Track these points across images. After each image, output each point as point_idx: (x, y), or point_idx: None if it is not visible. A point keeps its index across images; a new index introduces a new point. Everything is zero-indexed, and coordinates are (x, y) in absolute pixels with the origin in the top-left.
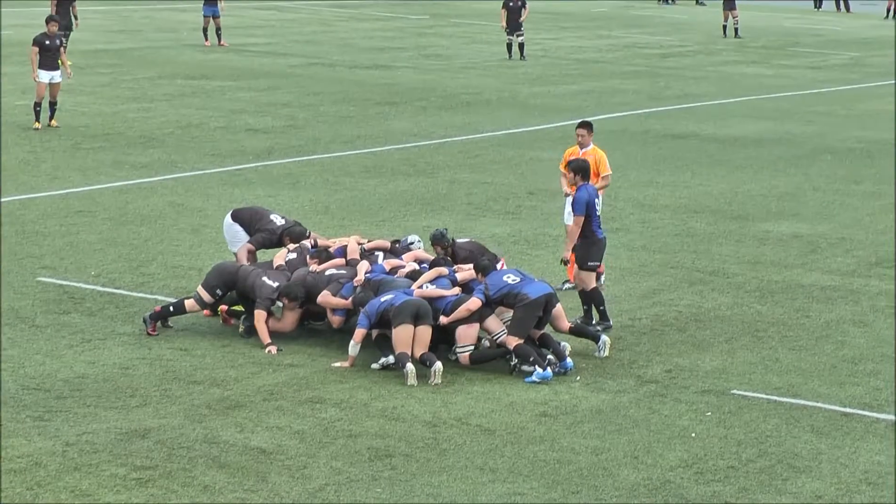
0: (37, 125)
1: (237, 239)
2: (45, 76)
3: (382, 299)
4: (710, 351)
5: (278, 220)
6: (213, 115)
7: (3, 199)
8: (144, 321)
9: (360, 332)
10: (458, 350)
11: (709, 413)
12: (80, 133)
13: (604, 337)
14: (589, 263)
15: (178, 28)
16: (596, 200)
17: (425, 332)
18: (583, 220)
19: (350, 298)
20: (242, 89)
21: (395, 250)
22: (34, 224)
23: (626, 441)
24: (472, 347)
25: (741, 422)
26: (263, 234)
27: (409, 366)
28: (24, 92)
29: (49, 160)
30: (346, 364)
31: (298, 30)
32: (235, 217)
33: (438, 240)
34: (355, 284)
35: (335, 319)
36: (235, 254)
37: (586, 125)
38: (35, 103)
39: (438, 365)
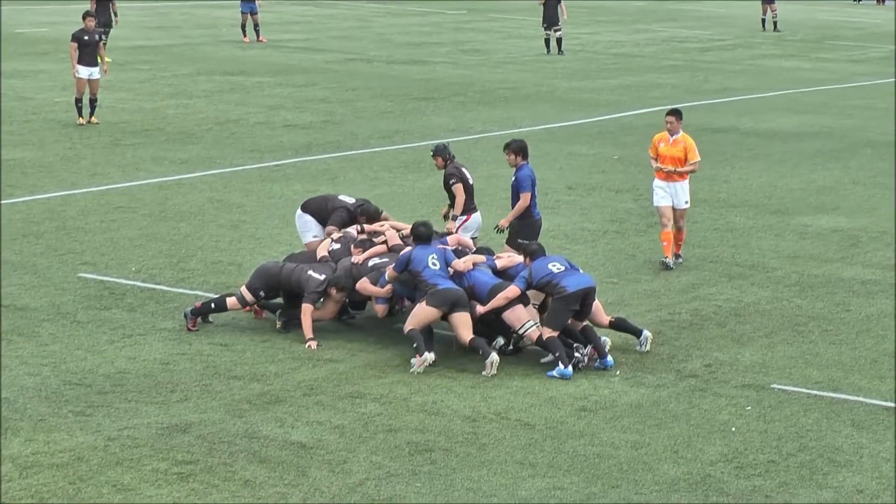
0: (80, 121)
1: (307, 228)
2: (83, 72)
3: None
4: (750, 345)
5: (349, 200)
6: (252, 111)
7: (44, 196)
8: (185, 316)
9: (390, 273)
10: (521, 332)
11: (749, 407)
12: (119, 129)
13: (646, 332)
14: (519, 241)
15: (216, 24)
16: (534, 179)
17: (466, 318)
18: (529, 197)
19: (388, 287)
20: (281, 85)
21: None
22: (75, 220)
23: (666, 435)
24: (534, 324)
25: (781, 416)
26: (340, 213)
27: (428, 355)
28: (64, 88)
29: (89, 156)
30: (381, 293)
31: (336, 25)
32: (305, 208)
33: (441, 151)
34: (387, 275)
35: (378, 308)
36: (306, 245)
37: (676, 112)
38: (76, 99)
39: (494, 357)
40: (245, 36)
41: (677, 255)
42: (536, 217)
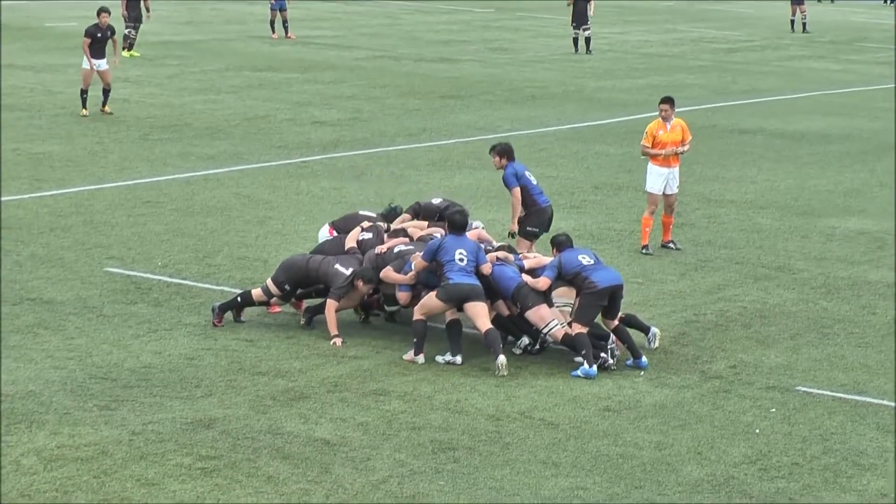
0: (84, 112)
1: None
2: (103, 65)
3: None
4: (775, 347)
5: (371, 214)
6: (280, 108)
7: (71, 190)
8: (213, 310)
9: (418, 262)
10: (545, 331)
11: (773, 409)
12: (147, 124)
13: (654, 328)
14: (528, 229)
15: (246, 20)
16: (527, 173)
17: (480, 307)
18: (520, 192)
19: (411, 273)
20: (309, 82)
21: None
22: (102, 214)
23: (690, 436)
24: (558, 323)
25: (806, 418)
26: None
27: (419, 358)
28: (92, 83)
29: (117, 151)
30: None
31: (365, 23)
32: (332, 225)
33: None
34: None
35: (402, 296)
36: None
37: (669, 100)
38: (81, 90)
39: (502, 359)
40: (274, 32)
41: (672, 242)
42: (542, 205)
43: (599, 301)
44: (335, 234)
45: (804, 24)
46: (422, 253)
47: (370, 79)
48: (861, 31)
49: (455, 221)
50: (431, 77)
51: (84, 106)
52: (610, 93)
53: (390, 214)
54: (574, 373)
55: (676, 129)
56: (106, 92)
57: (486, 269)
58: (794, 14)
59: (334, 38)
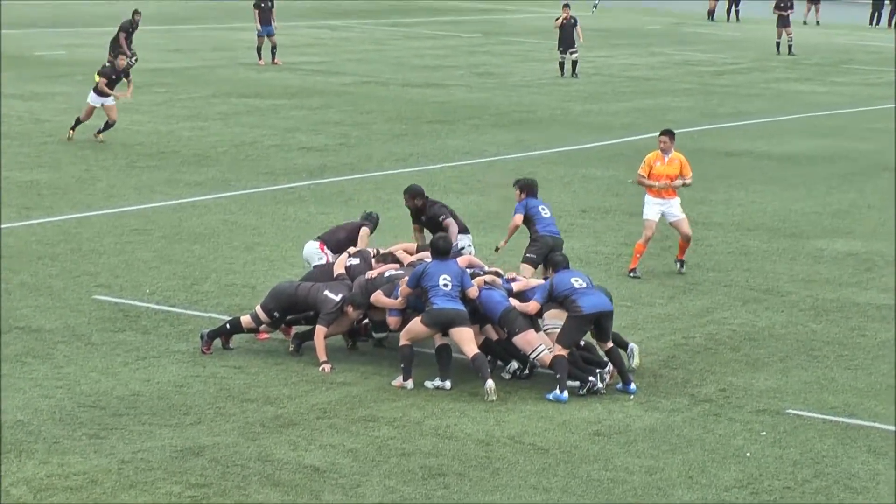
0: (70, 134)
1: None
2: (96, 100)
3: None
4: (765, 370)
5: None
6: (267, 134)
7: (59, 218)
8: (201, 337)
9: (403, 288)
10: (533, 356)
11: (764, 433)
12: (135, 151)
13: (632, 345)
14: (527, 255)
15: (234, 47)
16: (542, 207)
17: (466, 332)
18: (521, 219)
19: (401, 298)
20: (296, 108)
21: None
22: (90, 242)
23: (681, 461)
24: (545, 348)
25: (797, 441)
26: (347, 225)
27: (408, 383)
28: (80, 111)
29: (105, 178)
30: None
31: (351, 48)
32: (319, 238)
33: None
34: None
35: (392, 320)
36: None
37: (669, 133)
38: (77, 118)
39: (490, 384)
40: (261, 59)
41: (680, 262)
42: (541, 233)
43: (584, 325)
44: (325, 248)
45: (790, 47)
46: (407, 278)
47: (357, 104)
48: (846, 52)
49: (438, 247)
50: (418, 102)
51: (73, 128)
52: (597, 116)
53: (369, 218)
54: (546, 395)
55: (674, 162)
56: (109, 125)
57: (473, 293)
58: (779, 36)
59: (321, 63)
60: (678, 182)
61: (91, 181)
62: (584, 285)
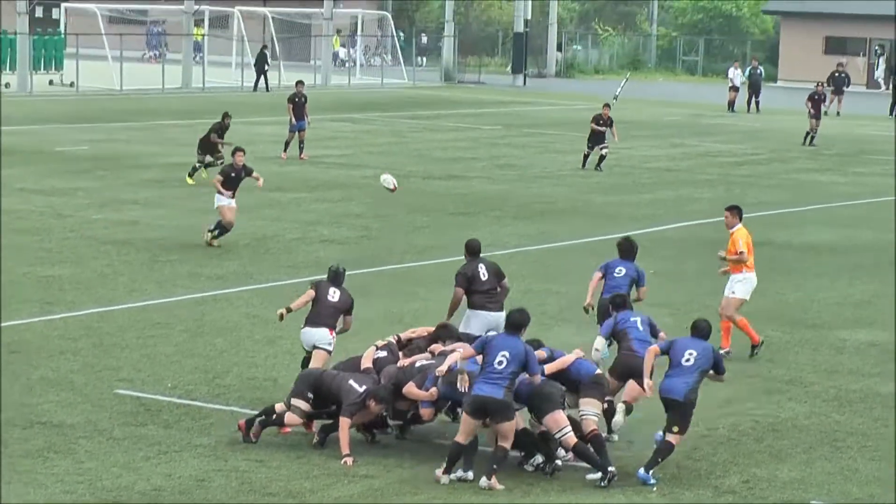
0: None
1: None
2: (225, 201)
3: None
4: (788, 461)
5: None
6: (288, 227)
7: (81, 312)
8: (248, 422)
9: (469, 352)
10: (558, 435)
11: None
12: (157, 245)
13: (620, 405)
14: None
15: (255, 140)
16: (619, 267)
17: (504, 428)
18: (598, 277)
19: (433, 389)
20: (317, 201)
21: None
22: (112, 336)
23: None
24: (570, 429)
25: None
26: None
27: (444, 477)
28: (102, 205)
29: (126, 273)
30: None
31: (372, 141)
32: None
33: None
34: (437, 374)
35: (424, 412)
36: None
37: (731, 208)
38: (220, 223)
39: (487, 481)
40: (285, 153)
41: (726, 349)
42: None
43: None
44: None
45: (812, 137)
46: (473, 343)
47: (378, 196)
48: (867, 143)
49: (513, 321)
50: (439, 194)
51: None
52: (618, 207)
53: (337, 277)
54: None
55: (739, 238)
56: (228, 230)
57: (536, 380)
58: (811, 128)
59: (342, 156)
60: (729, 257)
61: (113, 276)
62: (691, 363)
